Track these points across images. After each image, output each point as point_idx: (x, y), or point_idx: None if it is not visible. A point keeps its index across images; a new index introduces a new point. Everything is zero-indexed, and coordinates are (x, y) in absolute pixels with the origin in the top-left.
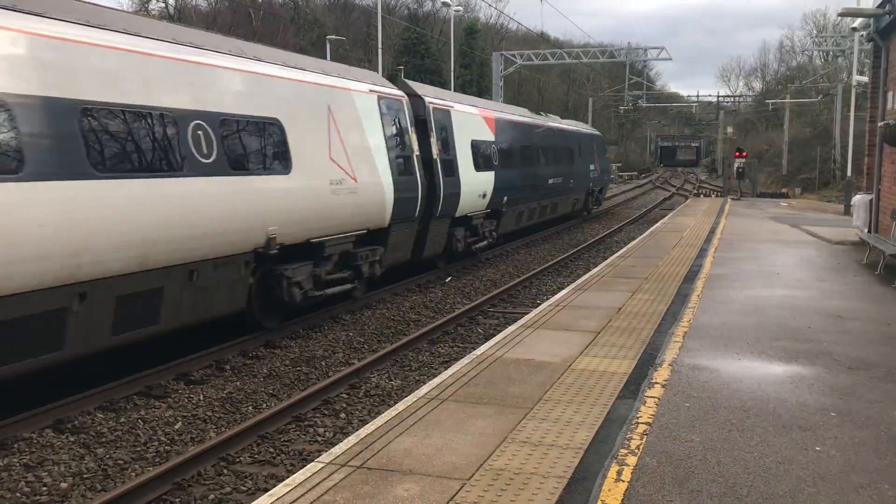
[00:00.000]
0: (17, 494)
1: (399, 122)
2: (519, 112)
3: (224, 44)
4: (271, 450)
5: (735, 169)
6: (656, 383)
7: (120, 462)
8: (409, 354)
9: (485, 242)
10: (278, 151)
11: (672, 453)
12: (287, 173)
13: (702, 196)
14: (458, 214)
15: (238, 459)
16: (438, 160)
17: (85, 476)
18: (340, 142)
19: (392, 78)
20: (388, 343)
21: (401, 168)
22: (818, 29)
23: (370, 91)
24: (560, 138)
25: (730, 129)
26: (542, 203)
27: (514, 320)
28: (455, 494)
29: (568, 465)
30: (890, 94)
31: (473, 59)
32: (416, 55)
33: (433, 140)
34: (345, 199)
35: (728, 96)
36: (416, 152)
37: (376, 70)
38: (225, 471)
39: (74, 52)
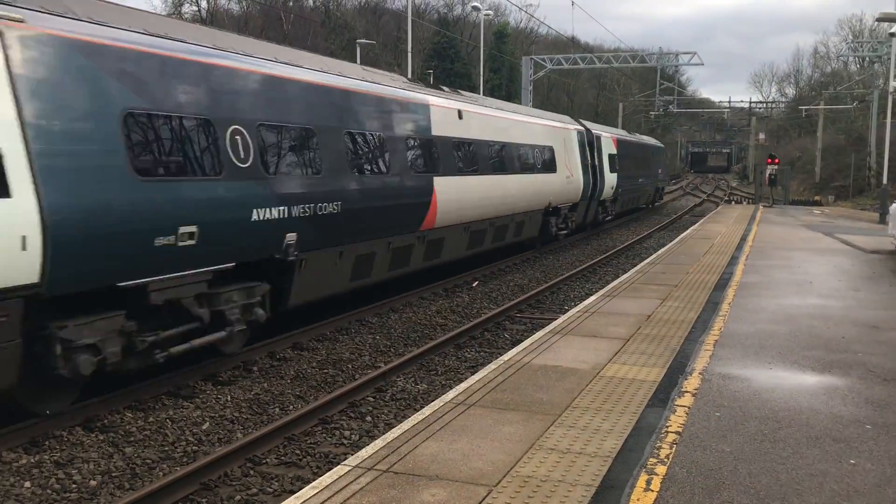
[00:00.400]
0: (48, 491)
1: (581, 145)
2: (624, 133)
3: (521, 109)
4: (298, 452)
5: (767, 176)
6: (686, 392)
7: (148, 461)
8: (435, 359)
9: (613, 214)
10: (551, 161)
11: (702, 463)
12: (554, 172)
13: (733, 203)
14: (602, 198)
15: (265, 461)
16: (597, 166)
17: (114, 474)
18: (566, 157)
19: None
20: (415, 347)
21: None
22: (854, 34)
23: (575, 129)
24: (643, 150)
25: (762, 136)
26: (634, 195)
27: (542, 326)
28: (482, 501)
29: (596, 474)
30: None
31: (503, 63)
32: (445, 59)
33: (593, 154)
34: (569, 185)
35: (760, 102)
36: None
37: (405, 73)
38: (251, 472)
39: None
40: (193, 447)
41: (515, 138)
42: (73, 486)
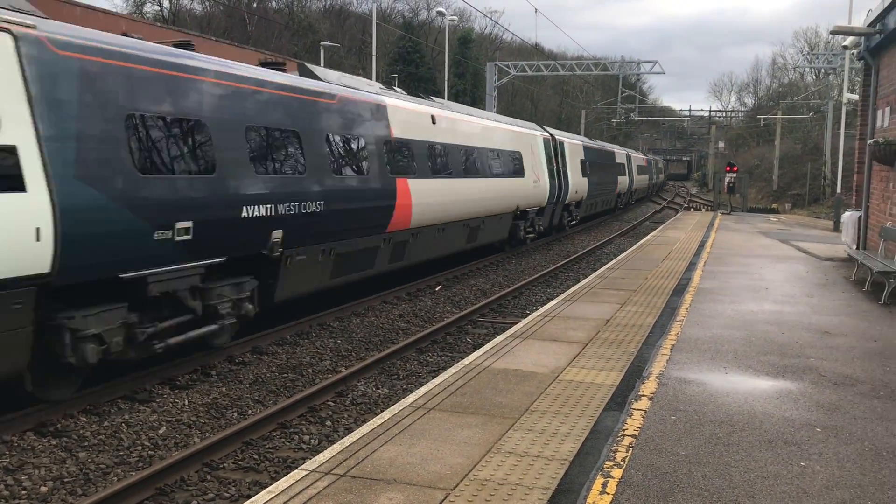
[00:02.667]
0: None
1: (547, 151)
2: (586, 140)
3: (490, 116)
4: (256, 456)
5: (726, 183)
6: (643, 396)
7: (102, 466)
8: (396, 363)
9: (577, 219)
10: (519, 166)
11: (657, 466)
12: (522, 176)
13: (692, 210)
14: (567, 201)
15: (222, 465)
16: (562, 171)
17: (66, 480)
18: (533, 162)
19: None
20: (377, 351)
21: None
22: (810, 46)
23: (541, 136)
24: (606, 156)
25: (721, 144)
26: (602, 198)
27: (503, 330)
28: None
29: (553, 477)
30: (879, 112)
31: (467, 68)
32: (410, 63)
33: (558, 160)
34: (536, 189)
35: (720, 111)
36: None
37: (370, 77)
38: (208, 477)
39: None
40: (149, 452)
41: (487, 143)
42: (23, 492)
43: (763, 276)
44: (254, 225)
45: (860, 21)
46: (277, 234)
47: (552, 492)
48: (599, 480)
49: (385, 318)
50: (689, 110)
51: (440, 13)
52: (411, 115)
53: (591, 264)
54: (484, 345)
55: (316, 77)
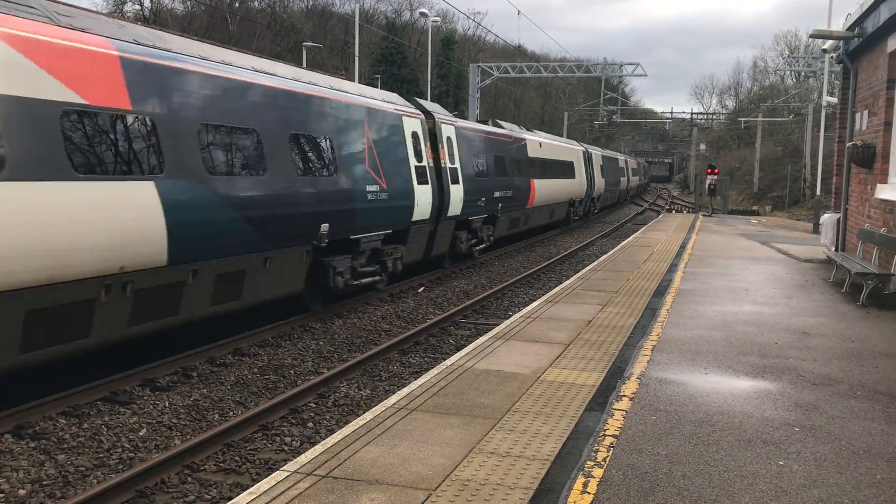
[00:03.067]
0: None
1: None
2: (601, 150)
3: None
4: (237, 458)
5: (707, 185)
6: (624, 396)
7: (81, 469)
8: (379, 364)
9: (598, 207)
10: (571, 171)
11: (638, 466)
12: (574, 178)
13: (674, 212)
14: (594, 195)
15: (203, 467)
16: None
17: (44, 483)
18: (577, 168)
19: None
20: (359, 353)
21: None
22: (790, 49)
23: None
24: (615, 162)
25: (703, 146)
26: (611, 193)
27: (486, 331)
28: None
29: (534, 477)
30: (858, 116)
31: (450, 69)
32: (393, 64)
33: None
34: (580, 186)
35: (701, 113)
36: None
37: (353, 78)
38: (189, 479)
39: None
40: (129, 454)
41: (559, 157)
42: (1, 495)
43: (743, 277)
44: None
45: (840, 25)
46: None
47: (533, 492)
48: (580, 480)
49: (368, 320)
50: (671, 112)
51: (423, 14)
52: (534, 144)
53: (573, 266)
54: (466, 346)
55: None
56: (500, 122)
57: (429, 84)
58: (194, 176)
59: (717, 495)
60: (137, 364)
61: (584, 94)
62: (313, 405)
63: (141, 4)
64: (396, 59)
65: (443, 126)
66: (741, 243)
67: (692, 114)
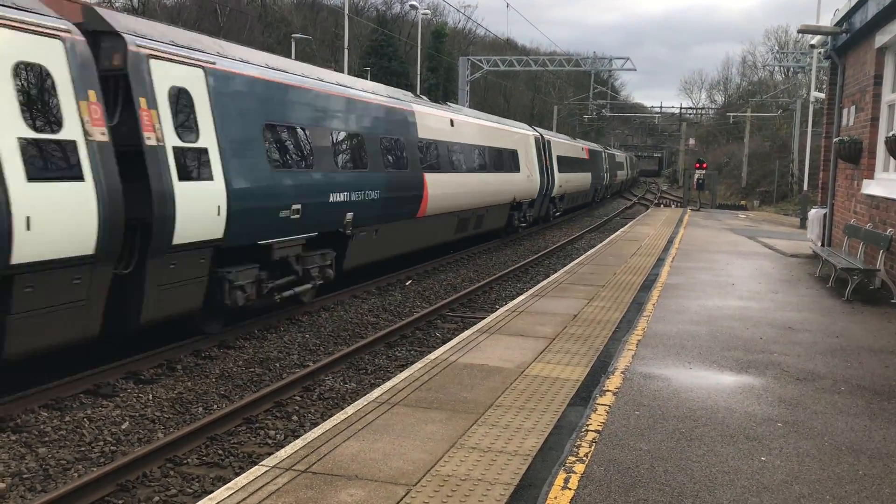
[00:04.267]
0: None
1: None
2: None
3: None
4: (220, 452)
5: (695, 180)
6: (608, 391)
7: (63, 462)
8: (365, 357)
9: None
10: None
11: (620, 461)
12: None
13: (662, 206)
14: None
15: (186, 461)
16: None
17: (25, 476)
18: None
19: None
20: (345, 346)
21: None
22: (780, 45)
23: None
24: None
25: (692, 141)
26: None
27: (473, 325)
28: (400, 500)
29: (515, 472)
30: (845, 111)
31: (440, 63)
32: (383, 57)
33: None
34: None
35: (690, 108)
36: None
37: (342, 70)
38: (171, 472)
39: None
40: (112, 447)
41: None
42: None
43: (730, 272)
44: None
45: (828, 20)
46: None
47: (514, 487)
48: (562, 476)
49: (354, 313)
50: (660, 107)
51: (413, 7)
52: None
53: (561, 259)
54: (452, 339)
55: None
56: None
57: (418, 77)
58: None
59: (698, 491)
60: (122, 357)
61: (574, 88)
62: (298, 398)
63: None
64: (387, 51)
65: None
66: (728, 238)
67: (681, 108)
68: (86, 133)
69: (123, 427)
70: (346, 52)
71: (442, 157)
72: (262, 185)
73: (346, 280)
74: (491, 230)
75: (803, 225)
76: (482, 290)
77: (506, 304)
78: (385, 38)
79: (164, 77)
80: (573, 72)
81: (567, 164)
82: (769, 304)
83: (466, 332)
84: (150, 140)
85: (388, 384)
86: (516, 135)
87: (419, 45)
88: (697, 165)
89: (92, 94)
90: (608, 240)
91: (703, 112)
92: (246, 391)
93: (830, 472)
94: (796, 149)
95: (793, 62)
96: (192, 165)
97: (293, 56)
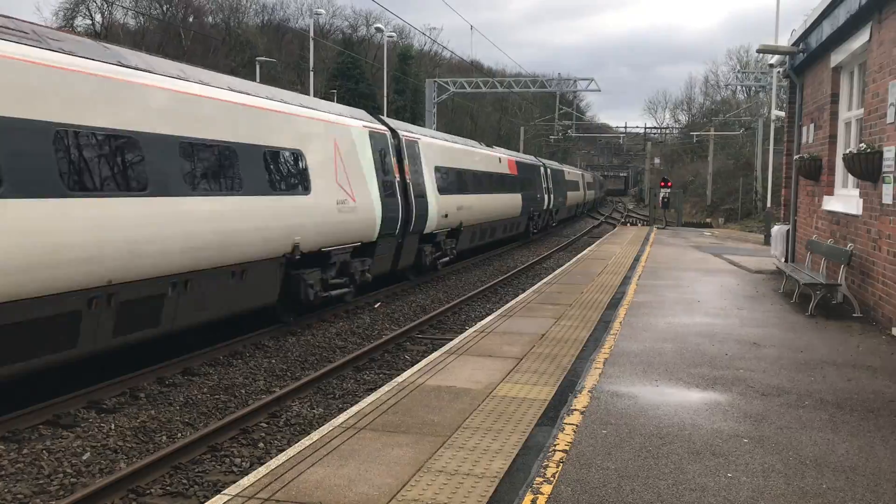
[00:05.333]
0: None
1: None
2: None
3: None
4: (185, 481)
5: (661, 198)
6: (575, 410)
7: (20, 496)
8: (333, 382)
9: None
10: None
11: (587, 481)
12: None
13: (628, 225)
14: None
15: (149, 491)
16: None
17: None
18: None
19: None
20: (312, 370)
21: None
22: (741, 65)
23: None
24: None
25: (657, 160)
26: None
27: (441, 346)
28: None
29: (482, 495)
30: (804, 129)
31: (407, 85)
32: (350, 79)
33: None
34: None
35: (655, 128)
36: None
37: (307, 93)
38: (134, 503)
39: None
40: (72, 479)
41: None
42: None
43: (695, 289)
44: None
45: (786, 40)
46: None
47: None
48: (529, 497)
49: (322, 337)
50: (625, 127)
51: (379, 30)
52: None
53: (529, 279)
54: (420, 361)
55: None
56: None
57: (385, 100)
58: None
59: None
60: (83, 385)
61: (540, 109)
62: (264, 425)
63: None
64: (353, 74)
65: None
66: (694, 255)
67: (646, 128)
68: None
69: (84, 458)
70: (311, 74)
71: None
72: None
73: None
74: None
75: (767, 241)
76: (452, 311)
77: (474, 324)
78: (351, 61)
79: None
80: (539, 93)
81: (461, 181)
82: (734, 320)
83: (435, 354)
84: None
85: (355, 408)
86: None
87: (385, 67)
88: (662, 184)
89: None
90: (575, 258)
91: (668, 132)
92: (211, 418)
93: (795, 487)
94: (759, 166)
95: (754, 81)
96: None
97: (258, 79)
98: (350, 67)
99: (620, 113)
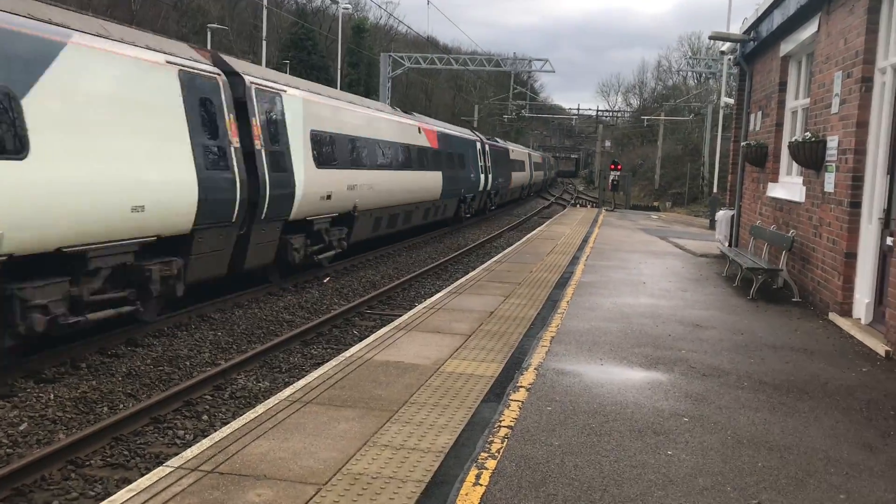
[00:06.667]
0: None
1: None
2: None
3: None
4: (126, 452)
5: (610, 181)
6: (521, 387)
7: None
8: (279, 356)
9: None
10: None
11: (531, 457)
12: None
13: (578, 206)
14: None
15: (88, 462)
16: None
17: None
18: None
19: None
20: (259, 344)
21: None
22: (693, 51)
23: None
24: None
25: (608, 143)
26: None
27: (390, 322)
28: (309, 500)
29: (427, 470)
30: (752, 116)
31: (361, 58)
32: (303, 50)
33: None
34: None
35: (607, 111)
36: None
37: (260, 63)
38: (73, 475)
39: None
40: (8, 450)
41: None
42: None
43: (641, 271)
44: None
45: (738, 28)
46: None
47: (426, 484)
48: (473, 472)
49: (269, 310)
50: (578, 109)
51: (334, 1)
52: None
53: (480, 257)
54: (369, 337)
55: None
56: None
57: (339, 72)
58: None
59: (607, 485)
60: (22, 356)
61: (495, 88)
62: (209, 397)
63: None
64: (306, 45)
65: None
66: (641, 238)
67: (598, 111)
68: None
69: (21, 428)
70: (264, 43)
71: None
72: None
73: (261, 278)
74: None
75: (712, 226)
76: (402, 287)
77: (424, 301)
78: (305, 32)
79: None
80: (494, 72)
81: (355, 152)
82: (678, 301)
83: (384, 330)
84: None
85: (302, 382)
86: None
87: (339, 39)
88: (613, 167)
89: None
90: (525, 238)
91: (619, 115)
92: (154, 390)
93: (732, 465)
94: (707, 152)
95: (705, 68)
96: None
97: (209, 45)
98: (303, 38)
99: (574, 95)
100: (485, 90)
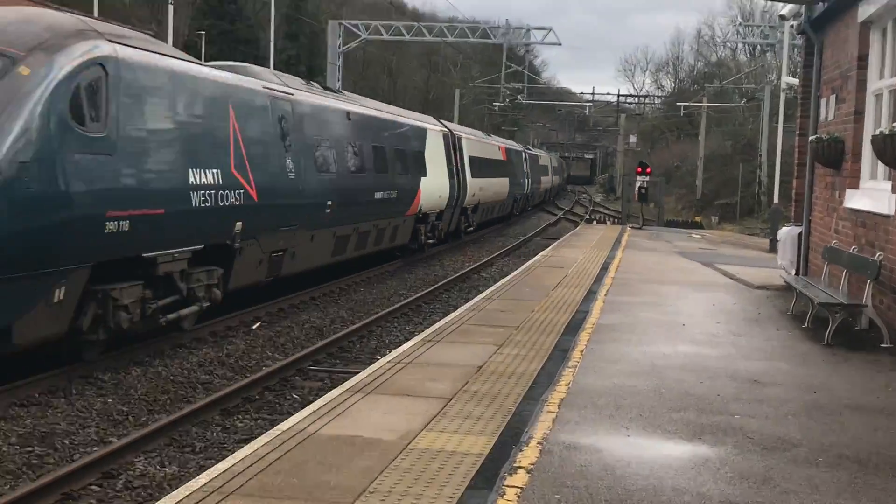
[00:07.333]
0: None
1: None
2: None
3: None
4: None
5: (637, 189)
6: (520, 468)
7: None
8: (192, 430)
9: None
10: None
11: None
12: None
13: (595, 223)
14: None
15: None
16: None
17: None
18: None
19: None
20: (164, 414)
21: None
22: (743, 16)
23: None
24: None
25: (633, 139)
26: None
27: (344, 382)
28: None
29: None
30: (823, 101)
31: (302, 28)
32: (223, 17)
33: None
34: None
35: (631, 96)
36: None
37: (165, 36)
38: None
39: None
40: None
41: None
42: None
43: (679, 308)
44: None
45: None
46: None
47: None
48: None
49: (178, 368)
50: (593, 94)
51: None
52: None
53: (463, 293)
54: (314, 402)
55: None
56: None
57: (272, 46)
58: None
59: None
60: None
61: (482, 67)
62: (96, 489)
63: None
64: (229, 10)
65: None
66: (678, 264)
67: (619, 96)
68: None
69: None
70: (170, 8)
71: None
72: None
73: (171, 327)
74: None
75: (773, 248)
76: (359, 334)
77: (389, 352)
78: None
79: None
80: (480, 44)
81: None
82: (730, 349)
83: (334, 392)
84: None
85: (222, 465)
86: None
87: (273, 3)
88: (640, 170)
89: None
90: (525, 266)
91: (648, 101)
92: (19, 480)
93: None
94: (765, 150)
95: (760, 38)
96: None
97: (95, 12)
98: (224, 2)
99: (588, 75)
100: (468, 69)
